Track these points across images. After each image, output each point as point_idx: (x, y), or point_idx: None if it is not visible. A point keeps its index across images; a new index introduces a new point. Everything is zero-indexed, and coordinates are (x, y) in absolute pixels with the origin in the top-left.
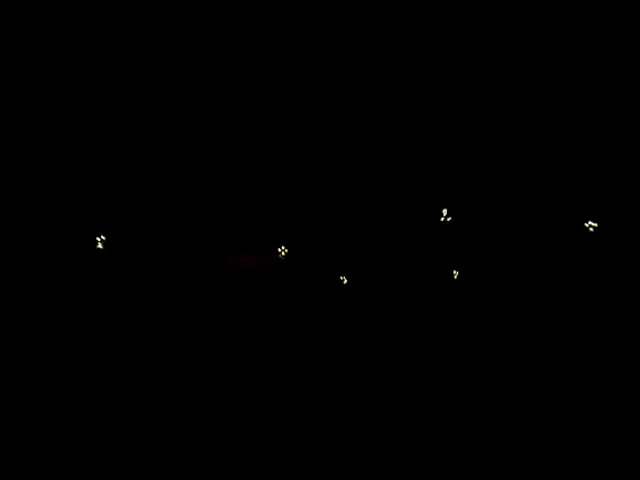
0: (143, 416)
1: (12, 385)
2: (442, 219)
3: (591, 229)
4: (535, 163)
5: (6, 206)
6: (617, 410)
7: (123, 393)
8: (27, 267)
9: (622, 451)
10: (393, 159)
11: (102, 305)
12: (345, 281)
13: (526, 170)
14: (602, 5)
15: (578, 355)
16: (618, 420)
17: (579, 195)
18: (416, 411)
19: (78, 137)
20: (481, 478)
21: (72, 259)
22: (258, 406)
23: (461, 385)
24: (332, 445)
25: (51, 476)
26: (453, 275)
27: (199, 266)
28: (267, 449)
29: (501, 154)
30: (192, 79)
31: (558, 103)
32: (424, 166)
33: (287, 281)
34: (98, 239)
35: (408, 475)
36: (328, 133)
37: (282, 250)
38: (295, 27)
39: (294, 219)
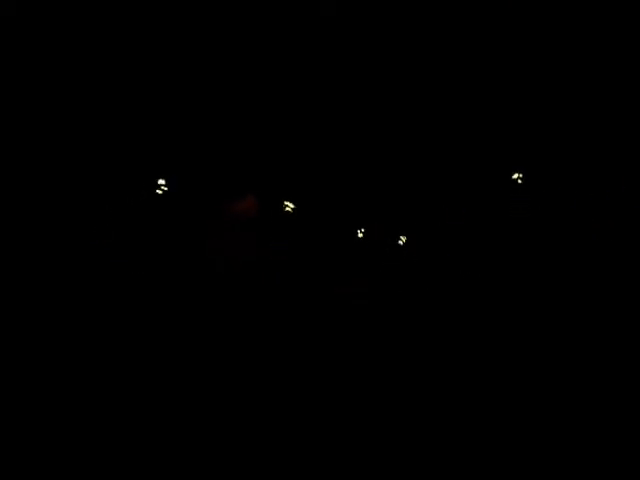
0: (142, 412)
1: (12, 383)
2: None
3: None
4: (534, 163)
5: (6, 206)
6: (616, 408)
7: (122, 389)
8: (27, 266)
9: (622, 450)
10: (392, 158)
11: (102, 302)
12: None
13: (525, 170)
14: (602, 5)
15: (577, 354)
16: (617, 419)
17: (577, 195)
18: (415, 409)
19: (77, 136)
20: (481, 478)
21: (72, 258)
22: (257, 403)
23: (460, 384)
24: (332, 442)
25: (51, 476)
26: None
27: (199, 266)
28: (266, 445)
29: (499, 154)
30: (193, 77)
31: (557, 103)
32: (422, 166)
33: (287, 281)
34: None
35: (408, 475)
36: (327, 132)
37: (287, 205)
38: (295, 27)
39: (294, 222)
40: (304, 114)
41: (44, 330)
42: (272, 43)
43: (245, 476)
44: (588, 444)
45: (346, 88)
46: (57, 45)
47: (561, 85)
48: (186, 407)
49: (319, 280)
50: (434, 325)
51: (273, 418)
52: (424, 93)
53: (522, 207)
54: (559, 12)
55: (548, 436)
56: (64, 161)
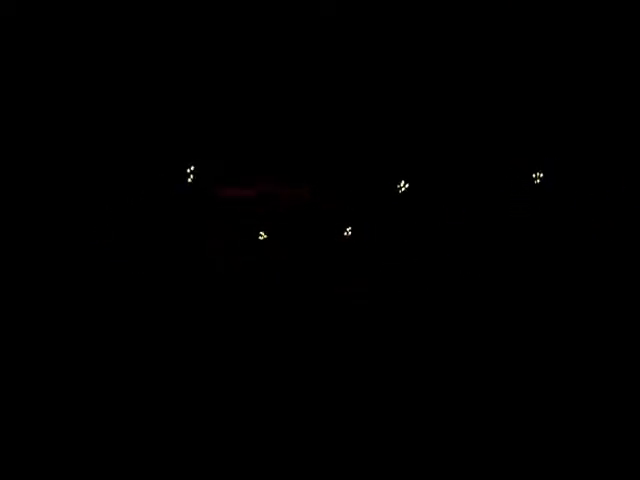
0: (142, 411)
1: (12, 383)
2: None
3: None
4: (534, 163)
5: (7, 206)
6: (616, 408)
7: (122, 389)
8: (27, 265)
9: (622, 450)
10: (391, 158)
11: (102, 302)
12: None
13: (526, 169)
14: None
15: (577, 353)
16: (617, 419)
17: (577, 195)
18: (416, 409)
19: (77, 135)
20: (481, 478)
21: (72, 258)
22: (258, 402)
23: (460, 384)
24: (332, 442)
25: (51, 476)
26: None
27: (199, 265)
28: (266, 445)
29: (499, 154)
30: (194, 77)
31: (556, 103)
32: (422, 166)
33: (287, 281)
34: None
35: (408, 475)
36: (328, 133)
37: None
38: (295, 27)
39: (293, 222)
40: (303, 114)
41: (44, 329)
42: (272, 41)
43: (245, 476)
44: (588, 443)
45: (346, 88)
46: (57, 45)
47: (560, 86)
48: (186, 407)
49: (319, 280)
50: (434, 325)
51: (273, 418)
52: (424, 93)
53: (522, 207)
54: (560, 11)
55: (548, 435)
56: (64, 161)
